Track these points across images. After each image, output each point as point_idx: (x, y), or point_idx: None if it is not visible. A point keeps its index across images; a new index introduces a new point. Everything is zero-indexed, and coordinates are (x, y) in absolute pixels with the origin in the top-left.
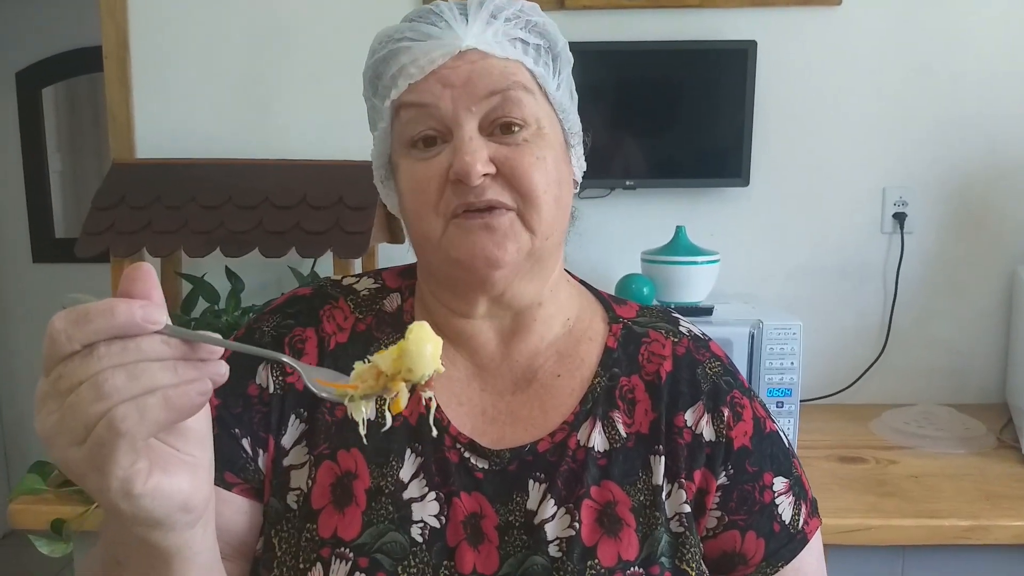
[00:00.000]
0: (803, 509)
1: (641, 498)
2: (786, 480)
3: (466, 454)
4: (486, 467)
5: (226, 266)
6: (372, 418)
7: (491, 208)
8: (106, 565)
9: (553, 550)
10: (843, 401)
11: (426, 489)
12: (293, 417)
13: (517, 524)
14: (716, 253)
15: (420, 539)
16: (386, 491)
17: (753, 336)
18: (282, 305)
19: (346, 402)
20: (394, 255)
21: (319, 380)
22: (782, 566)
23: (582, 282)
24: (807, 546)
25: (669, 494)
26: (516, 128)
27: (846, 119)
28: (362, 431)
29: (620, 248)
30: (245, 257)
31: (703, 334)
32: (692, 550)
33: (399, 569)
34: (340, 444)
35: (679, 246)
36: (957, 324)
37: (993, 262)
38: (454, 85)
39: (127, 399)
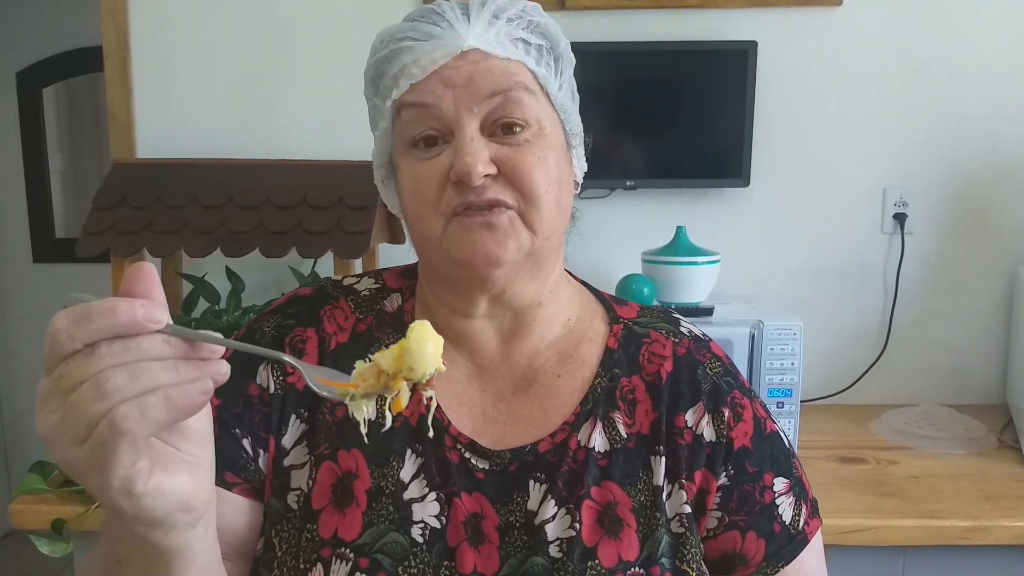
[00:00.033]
0: (803, 509)
1: (642, 499)
2: (786, 480)
3: (467, 454)
4: (487, 467)
5: (227, 266)
6: (372, 418)
7: (492, 206)
8: (107, 564)
9: (554, 551)
10: (843, 401)
11: (427, 489)
12: (294, 417)
13: (517, 525)
14: (716, 253)
15: (420, 539)
16: (387, 491)
17: (753, 336)
18: (283, 305)
19: (347, 401)
20: (395, 255)
21: (320, 379)
22: (782, 566)
23: (583, 282)
24: (807, 547)
25: (670, 495)
26: (518, 129)
27: (847, 119)
28: (363, 430)
29: (620, 248)
30: (246, 257)
31: (704, 334)
32: (692, 551)
33: (399, 569)
34: (341, 444)
35: (679, 246)
36: (957, 324)
37: (993, 262)
38: (456, 85)
39: (128, 398)
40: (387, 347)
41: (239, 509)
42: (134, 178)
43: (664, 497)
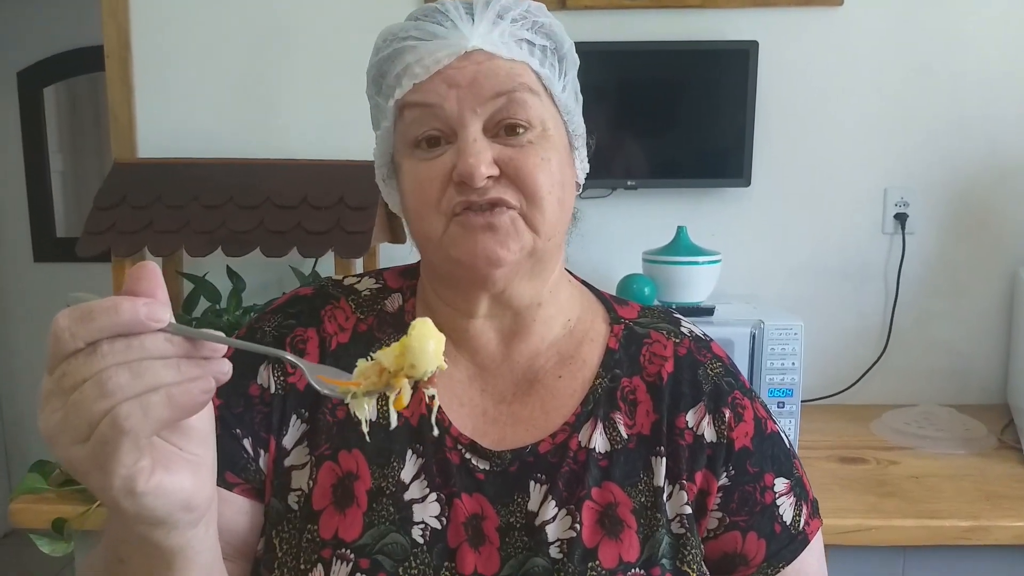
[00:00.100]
0: (804, 510)
1: (642, 499)
2: (787, 481)
3: (467, 455)
4: (487, 468)
5: (227, 266)
6: (374, 419)
7: (493, 205)
8: (109, 563)
9: (554, 551)
10: (844, 401)
11: (427, 490)
12: (294, 417)
13: (518, 525)
14: (717, 253)
15: (421, 540)
16: (387, 492)
17: (754, 336)
18: (283, 305)
19: (348, 399)
20: (395, 255)
21: (322, 377)
22: (783, 567)
23: (583, 282)
24: (808, 547)
25: (670, 495)
26: (521, 130)
27: (848, 119)
28: (364, 429)
29: (621, 248)
30: (246, 257)
31: (704, 335)
32: (693, 551)
33: (400, 570)
34: (341, 445)
35: (680, 246)
36: (958, 325)
37: (994, 263)
38: (459, 86)
39: (130, 397)
40: (388, 346)
41: (240, 509)
42: (135, 178)
43: (665, 498)
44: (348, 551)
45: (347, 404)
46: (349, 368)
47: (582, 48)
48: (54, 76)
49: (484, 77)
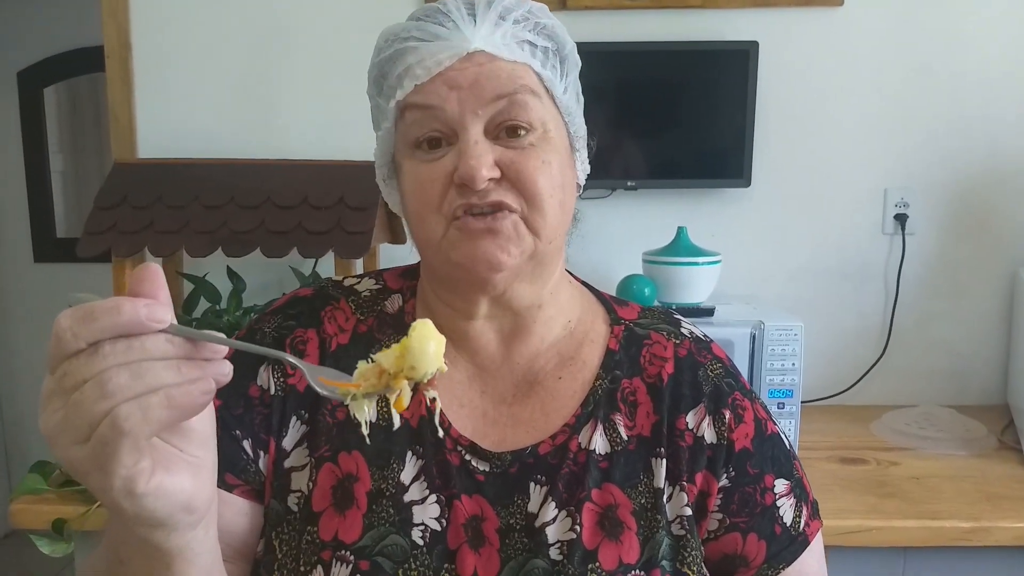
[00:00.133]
0: (804, 511)
1: (642, 501)
2: (787, 482)
3: (467, 456)
4: (487, 470)
5: (228, 266)
6: (374, 420)
7: (495, 210)
8: (109, 564)
9: (554, 553)
10: (844, 402)
11: (427, 492)
12: (294, 419)
13: (518, 527)
14: (717, 254)
15: (421, 542)
16: (387, 494)
17: (754, 337)
18: (283, 306)
19: (348, 401)
20: (396, 255)
21: (322, 379)
22: (783, 568)
23: (584, 283)
24: (808, 548)
25: (670, 497)
26: (522, 132)
27: (848, 120)
28: (364, 431)
29: (621, 249)
30: (247, 257)
31: (704, 336)
32: (693, 553)
33: (400, 572)
34: (341, 446)
35: (680, 247)
36: (958, 325)
37: (994, 264)
38: (461, 87)
39: (130, 398)
40: (388, 348)
41: (239, 511)
42: (135, 178)
43: (665, 499)
44: (348, 553)
45: (347, 406)
46: (349, 369)
47: (582, 48)
48: (54, 76)
49: (486, 79)
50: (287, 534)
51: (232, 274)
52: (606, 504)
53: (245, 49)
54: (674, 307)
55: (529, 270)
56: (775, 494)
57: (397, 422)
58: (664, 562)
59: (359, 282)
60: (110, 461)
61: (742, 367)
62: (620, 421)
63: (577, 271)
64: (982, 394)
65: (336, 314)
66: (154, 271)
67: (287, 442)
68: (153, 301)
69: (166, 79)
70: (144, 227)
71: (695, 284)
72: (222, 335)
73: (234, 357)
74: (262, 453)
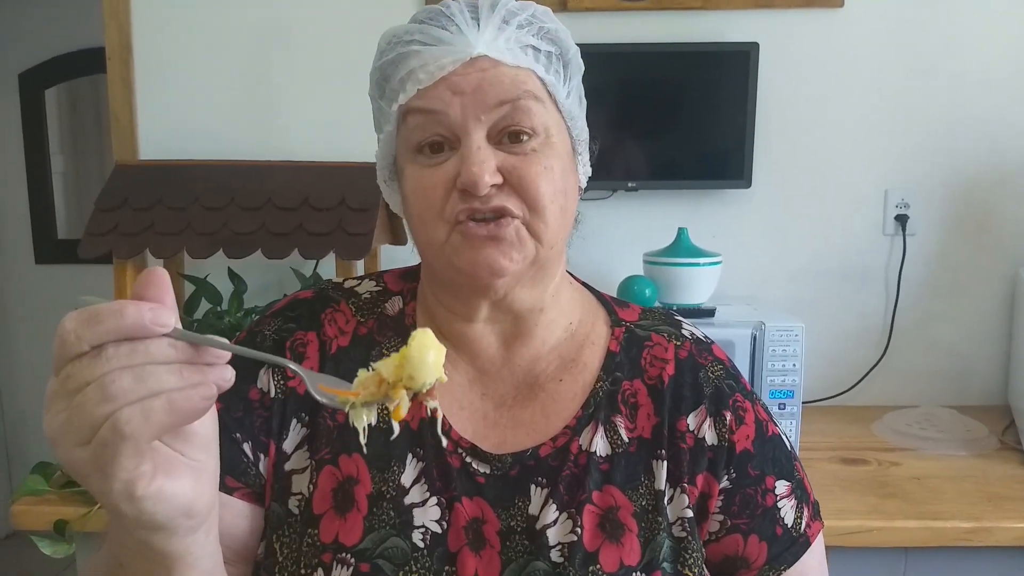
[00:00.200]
0: (805, 512)
1: (643, 503)
2: (788, 483)
3: (468, 459)
4: (488, 472)
5: (229, 267)
6: (374, 424)
7: (497, 216)
8: (109, 567)
9: (555, 555)
10: (845, 403)
11: (427, 494)
12: (295, 421)
13: (519, 529)
14: (718, 255)
15: (421, 544)
16: (387, 496)
17: (755, 338)
18: (283, 308)
19: (347, 409)
20: (396, 256)
21: (322, 386)
22: (784, 569)
23: (584, 284)
24: (809, 549)
25: (671, 499)
26: (525, 137)
27: (848, 121)
28: (362, 440)
29: (622, 250)
30: (248, 258)
31: (705, 337)
32: (694, 555)
33: (400, 574)
34: (341, 449)
35: (681, 248)
36: (959, 326)
37: (995, 264)
38: (464, 92)
39: (132, 401)
40: (388, 351)
41: (240, 513)
42: (136, 179)
43: (666, 501)
44: (348, 555)
45: (347, 413)
46: (349, 371)
47: (583, 50)
48: (55, 78)
49: (489, 84)
50: (288, 537)
51: (233, 275)
52: (607, 506)
53: (246, 50)
54: (675, 308)
55: (531, 275)
56: (776, 495)
57: (397, 431)
58: (665, 564)
59: (359, 284)
60: (111, 464)
61: (743, 368)
62: (621, 423)
63: (578, 272)
64: (983, 394)
65: (336, 316)
66: (160, 275)
67: (287, 445)
68: (158, 305)
69: (167, 80)
70: (145, 228)
71: (696, 285)
72: (225, 340)
73: (234, 360)
74: (262, 456)
